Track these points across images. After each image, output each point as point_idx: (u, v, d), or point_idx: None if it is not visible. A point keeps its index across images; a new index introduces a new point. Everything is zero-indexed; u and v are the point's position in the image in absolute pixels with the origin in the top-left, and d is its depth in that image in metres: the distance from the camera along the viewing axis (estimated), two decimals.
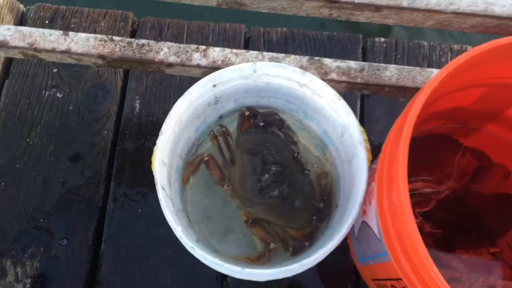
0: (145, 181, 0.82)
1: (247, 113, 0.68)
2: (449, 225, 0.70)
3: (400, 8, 0.58)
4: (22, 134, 0.84)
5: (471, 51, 0.49)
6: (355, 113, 0.62)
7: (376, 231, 0.59)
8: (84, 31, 0.85)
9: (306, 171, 0.69)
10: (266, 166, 0.65)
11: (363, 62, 0.68)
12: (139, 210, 0.80)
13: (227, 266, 0.55)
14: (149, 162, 0.62)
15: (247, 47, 0.92)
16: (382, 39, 0.92)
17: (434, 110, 0.65)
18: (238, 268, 0.55)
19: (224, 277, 0.76)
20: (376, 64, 0.68)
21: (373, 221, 0.59)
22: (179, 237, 0.57)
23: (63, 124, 0.85)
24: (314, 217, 0.67)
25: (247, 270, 0.55)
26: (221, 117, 0.72)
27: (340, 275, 0.78)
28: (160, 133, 0.60)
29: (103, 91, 0.87)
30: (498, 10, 0.62)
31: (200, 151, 0.73)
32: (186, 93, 0.60)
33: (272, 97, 0.70)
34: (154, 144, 0.59)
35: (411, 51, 0.91)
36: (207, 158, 0.67)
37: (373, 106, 0.87)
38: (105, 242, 0.78)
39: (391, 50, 0.91)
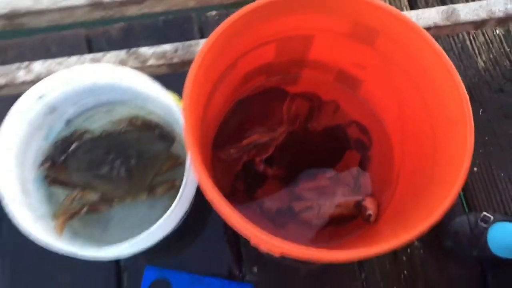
0: None
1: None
2: (291, 165, 0.80)
3: None
4: None
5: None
6: None
7: None
8: None
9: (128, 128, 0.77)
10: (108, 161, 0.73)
11: (177, 43, 0.75)
12: None
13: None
14: None
15: (91, 49, 0.96)
16: (214, 12, 0.99)
17: (244, 71, 0.73)
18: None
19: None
20: (188, 42, 0.75)
21: None
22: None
23: None
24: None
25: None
26: (68, 122, 0.77)
27: None
28: None
29: None
30: None
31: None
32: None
33: (108, 93, 0.74)
34: None
35: None
36: (86, 208, 0.72)
37: None
38: None
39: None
